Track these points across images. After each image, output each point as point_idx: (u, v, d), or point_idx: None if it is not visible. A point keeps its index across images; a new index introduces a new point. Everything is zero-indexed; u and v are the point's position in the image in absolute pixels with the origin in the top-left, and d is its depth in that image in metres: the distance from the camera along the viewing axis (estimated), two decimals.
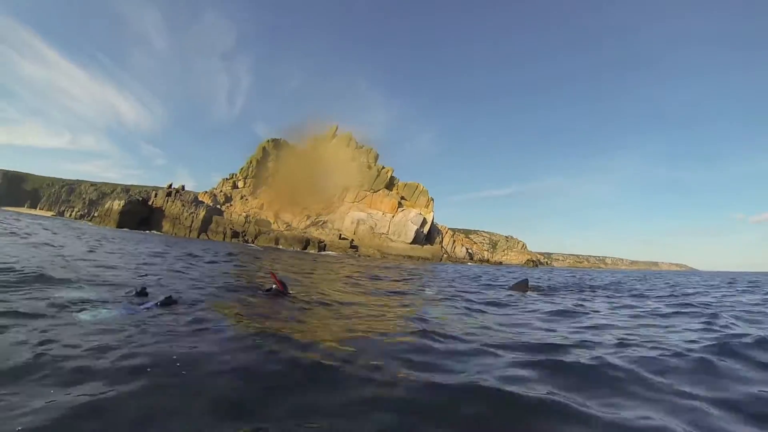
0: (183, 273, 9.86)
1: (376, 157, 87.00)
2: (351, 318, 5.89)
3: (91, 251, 13.53)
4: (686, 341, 5.22)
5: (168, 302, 5.20)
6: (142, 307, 4.99)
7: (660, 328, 6.42)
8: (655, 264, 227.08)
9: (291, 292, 7.27)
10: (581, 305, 9.29)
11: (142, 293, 5.65)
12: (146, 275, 8.61)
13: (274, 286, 7.05)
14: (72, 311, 4.54)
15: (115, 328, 3.97)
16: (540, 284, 16.59)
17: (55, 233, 22.29)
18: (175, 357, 3.33)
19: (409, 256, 78.31)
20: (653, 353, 4.49)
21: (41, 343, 3.39)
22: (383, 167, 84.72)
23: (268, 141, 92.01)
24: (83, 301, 5.06)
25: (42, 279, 6.27)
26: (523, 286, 12.22)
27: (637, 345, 4.93)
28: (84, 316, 4.38)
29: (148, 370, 3.04)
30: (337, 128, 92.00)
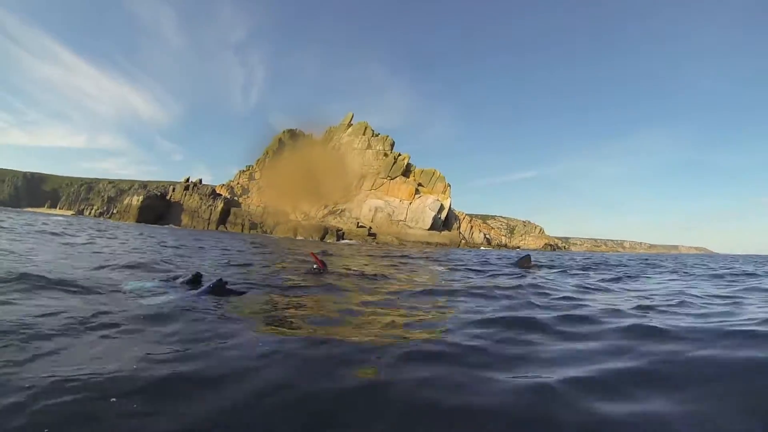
0: (223, 260, 10.15)
1: (393, 144, 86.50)
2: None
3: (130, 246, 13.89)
4: None
5: (219, 284, 5.12)
6: (193, 291, 5.01)
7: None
8: (675, 247, 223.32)
9: (325, 268, 7.73)
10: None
11: (196, 280, 5.62)
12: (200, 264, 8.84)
13: (315, 266, 7.64)
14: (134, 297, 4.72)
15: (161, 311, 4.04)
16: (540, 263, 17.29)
17: (99, 231, 22.54)
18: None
19: (427, 243, 78.09)
20: None
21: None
22: (399, 154, 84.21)
23: (284, 132, 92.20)
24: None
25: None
26: (525, 261, 13.33)
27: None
28: (144, 301, 4.51)
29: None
30: (352, 117, 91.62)
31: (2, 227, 16.05)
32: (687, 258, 43.08)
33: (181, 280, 5.76)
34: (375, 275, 8.05)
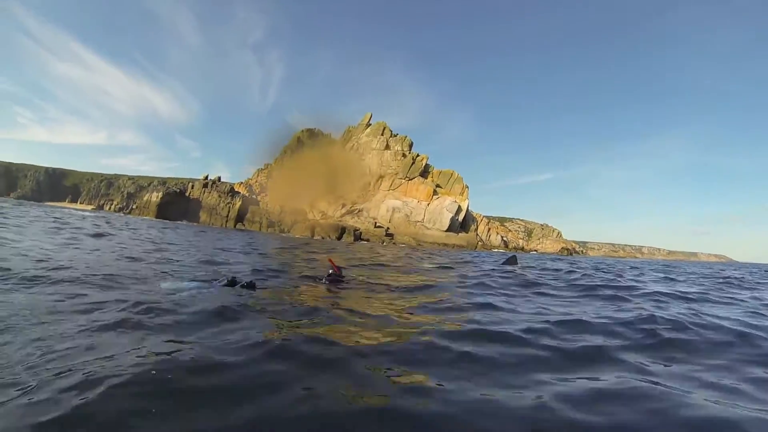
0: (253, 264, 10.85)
1: (411, 145, 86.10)
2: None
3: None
4: None
5: (251, 286, 5.87)
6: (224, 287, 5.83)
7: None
8: (694, 254, 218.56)
9: (345, 276, 8.23)
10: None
11: (232, 283, 6.05)
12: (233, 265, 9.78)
13: (331, 271, 7.91)
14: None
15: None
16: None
17: (126, 229, 22.94)
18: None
19: (444, 244, 77.56)
20: None
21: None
22: (418, 155, 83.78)
23: (302, 131, 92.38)
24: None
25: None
26: (512, 260, 15.70)
27: None
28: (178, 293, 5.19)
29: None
30: (371, 117, 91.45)
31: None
32: (720, 266, 42.08)
33: (218, 282, 6.12)
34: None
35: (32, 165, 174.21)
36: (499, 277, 10.66)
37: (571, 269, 16.84)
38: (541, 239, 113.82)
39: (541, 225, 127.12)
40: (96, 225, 19.71)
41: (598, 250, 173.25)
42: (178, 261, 8.98)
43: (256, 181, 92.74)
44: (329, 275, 7.87)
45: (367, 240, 73.15)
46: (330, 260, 8.54)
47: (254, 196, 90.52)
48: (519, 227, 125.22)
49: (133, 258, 8.95)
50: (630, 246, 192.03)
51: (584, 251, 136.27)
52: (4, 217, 17.07)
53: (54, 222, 17.87)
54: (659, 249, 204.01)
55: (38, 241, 10.10)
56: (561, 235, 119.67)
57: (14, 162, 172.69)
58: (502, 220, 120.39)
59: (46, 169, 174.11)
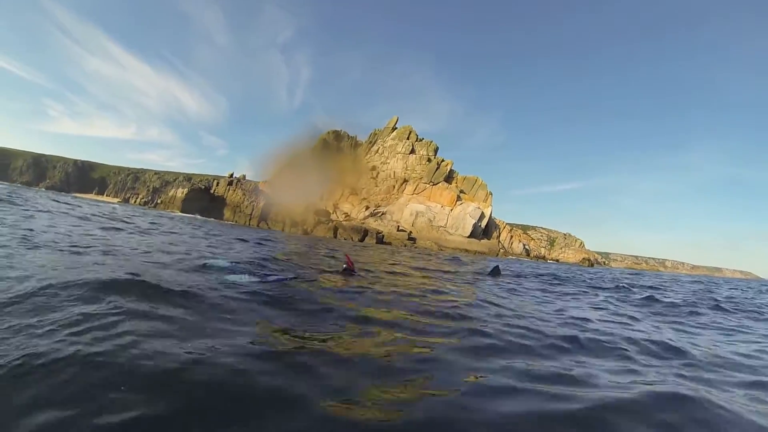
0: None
1: (436, 150, 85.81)
2: None
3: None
4: None
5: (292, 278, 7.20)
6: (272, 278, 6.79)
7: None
8: (718, 270, 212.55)
9: (356, 271, 9.56)
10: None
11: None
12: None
13: (345, 266, 9.25)
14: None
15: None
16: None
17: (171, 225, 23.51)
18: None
19: (466, 250, 77.00)
20: None
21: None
22: (443, 160, 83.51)
23: (328, 132, 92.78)
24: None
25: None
26: (496, 271, 15.66)
27: None
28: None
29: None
30: (397, 120, 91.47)
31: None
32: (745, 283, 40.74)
33: (274, 277, 6.89)
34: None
35: (61, 156, 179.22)
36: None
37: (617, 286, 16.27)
38: (563, 249, 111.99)
39: (564, 234, 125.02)
40: (153, 223, 20.01)
41: (620, 261, 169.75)
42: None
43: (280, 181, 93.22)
44: (344, 269, 9.24)
45: (389, 243, 73.12)
46: (347, 256, 10.06)
47: (277, 199, 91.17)
48: (542, 236, 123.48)
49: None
50: (653, 259, 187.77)
51: (607, 262, 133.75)
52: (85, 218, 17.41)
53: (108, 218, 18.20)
54: (683, 263, 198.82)
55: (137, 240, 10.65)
56: (583, 245, 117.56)
57: (44, 153, 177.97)
58: (525, 228, 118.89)
59: (75, 161, 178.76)
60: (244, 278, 6.26)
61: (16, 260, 5.40)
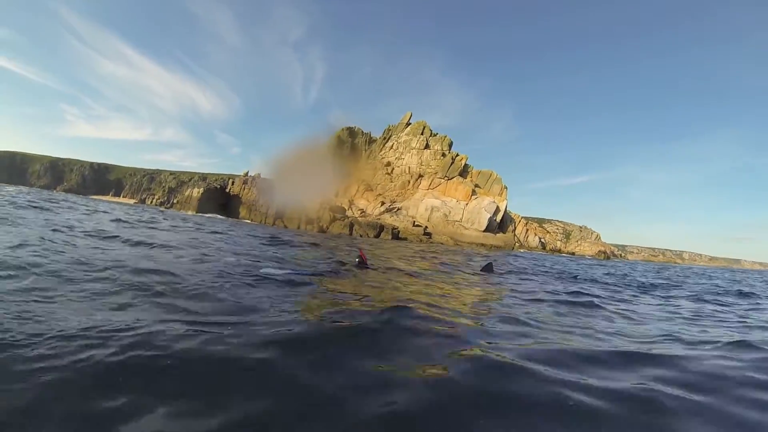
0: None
1: (450, 144, 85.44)
2: None
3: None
4: None
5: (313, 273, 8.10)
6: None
7: None
8: (737, 261, 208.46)
9: (370, 263, 10.57)
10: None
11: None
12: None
13: (357, 259, 10.23)
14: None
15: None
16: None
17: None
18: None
19: (482, 244, 76.81)
20: None
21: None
22: (457, 154, 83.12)
23: (342, 129, 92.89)
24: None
25: None
26: (488, 268, 15.08)
27: None
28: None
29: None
30: (411, 116, 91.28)
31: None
32: None
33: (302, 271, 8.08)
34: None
35: (78, 160, 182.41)
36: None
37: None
38: (579, 241, 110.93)
39: (580, 227, 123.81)
40: (177, 226, 20.49)
41: (637, 254, 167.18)
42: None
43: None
44: (358, 262, 10.15)
45: (405, 239, 73.12)
46: (360, 250, 11.09)
47: (290, 196, 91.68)
48: (557, 229, 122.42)
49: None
50: (671, 251, 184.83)
51: (623, 255, 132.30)
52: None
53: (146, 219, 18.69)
54: (701, 255, 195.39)
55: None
56: (600, 238, 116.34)
57: (61, 157, 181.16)
58: (540, 221, 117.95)
59: (91, 163, 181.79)
60: (281, 271, 7.44)
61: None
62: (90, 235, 9.90)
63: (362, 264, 10.06)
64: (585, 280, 15.02)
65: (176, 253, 8.75)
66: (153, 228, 15.20)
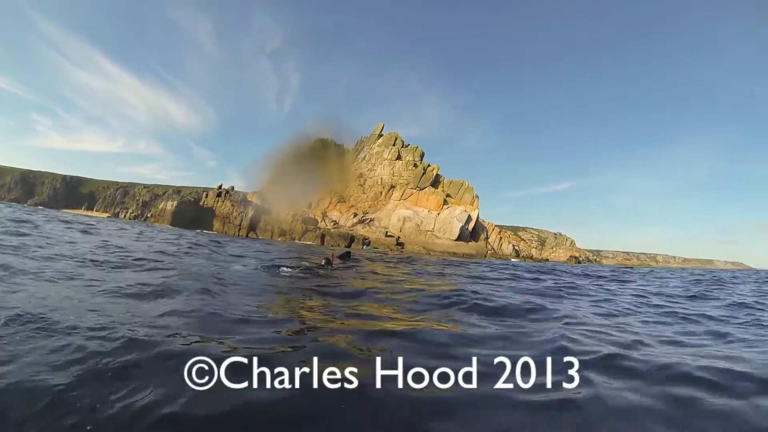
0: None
1: (422, 155, 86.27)
2: None
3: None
4: None
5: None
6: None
7: None
8: (710, 262, 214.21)
9: (333, 265, 12.38)
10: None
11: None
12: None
13: (326, 258, 12.39)
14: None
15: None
16: None
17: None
18: None
19: (454, 253, 77.42)
20: None
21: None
22: (429, 165, 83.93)
23: (315, 140, 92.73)
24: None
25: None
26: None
27: None
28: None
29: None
30: (383, 127, 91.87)
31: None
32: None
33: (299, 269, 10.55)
34: None
35: (50, 172, 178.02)
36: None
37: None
38: (554, 248, 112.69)
39: (555, 234, 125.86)
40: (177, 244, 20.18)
41: (612, 258, 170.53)
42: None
43: (269, 191, 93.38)
44: (325, 261, 12.12)
45: (376, 248, 73.34)
46: (332, 255, 13.44)
47: (267, 206, 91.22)
48: (533, 236, 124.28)
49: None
50: (645, 254, 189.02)
51: (598, 260, 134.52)
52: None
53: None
54: (674, 257, 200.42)
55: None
56: (575, 244, 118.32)
57: (32, 169, 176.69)
58: (515, 230, 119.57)
59: (64, 176, 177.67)
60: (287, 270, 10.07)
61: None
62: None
63: (328, 263, 12.14)
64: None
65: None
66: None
